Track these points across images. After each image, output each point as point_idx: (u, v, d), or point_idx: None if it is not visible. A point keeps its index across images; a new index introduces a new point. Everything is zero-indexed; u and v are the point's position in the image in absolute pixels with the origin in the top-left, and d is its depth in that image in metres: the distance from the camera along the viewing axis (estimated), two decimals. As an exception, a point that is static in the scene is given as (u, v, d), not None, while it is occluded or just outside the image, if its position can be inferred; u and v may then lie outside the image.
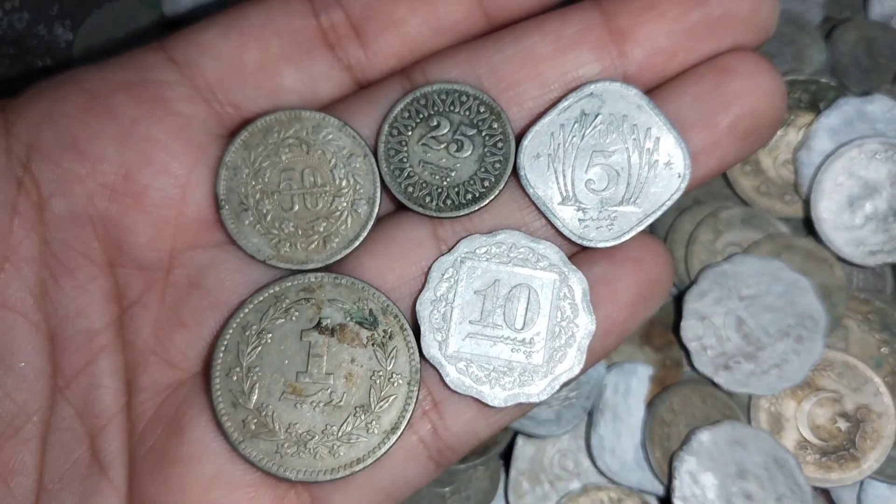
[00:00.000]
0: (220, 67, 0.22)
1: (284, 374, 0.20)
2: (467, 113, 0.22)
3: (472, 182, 0.21)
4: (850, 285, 0.29)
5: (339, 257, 0.21)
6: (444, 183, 0.21)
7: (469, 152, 0.22)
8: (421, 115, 0.22)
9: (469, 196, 0.21)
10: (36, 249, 0.21)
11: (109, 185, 0.21)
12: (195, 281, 0.22)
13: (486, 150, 0.22)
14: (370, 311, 0.21)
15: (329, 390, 0.21)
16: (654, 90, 0.22)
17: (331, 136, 0.22)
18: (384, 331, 0.21)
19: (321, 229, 0.22)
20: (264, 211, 0.21)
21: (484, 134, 0.21)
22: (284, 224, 0.21)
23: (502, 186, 0.22)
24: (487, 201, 0.21)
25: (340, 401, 0.20)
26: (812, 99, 0.30)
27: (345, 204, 0.22)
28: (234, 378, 0.20)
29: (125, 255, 0.22)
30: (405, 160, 0.21)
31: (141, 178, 0.21)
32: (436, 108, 0.22)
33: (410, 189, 0.21)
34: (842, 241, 0.28)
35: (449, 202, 0.21)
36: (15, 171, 0.21)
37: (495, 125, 0.21)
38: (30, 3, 0.35)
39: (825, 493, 0.28)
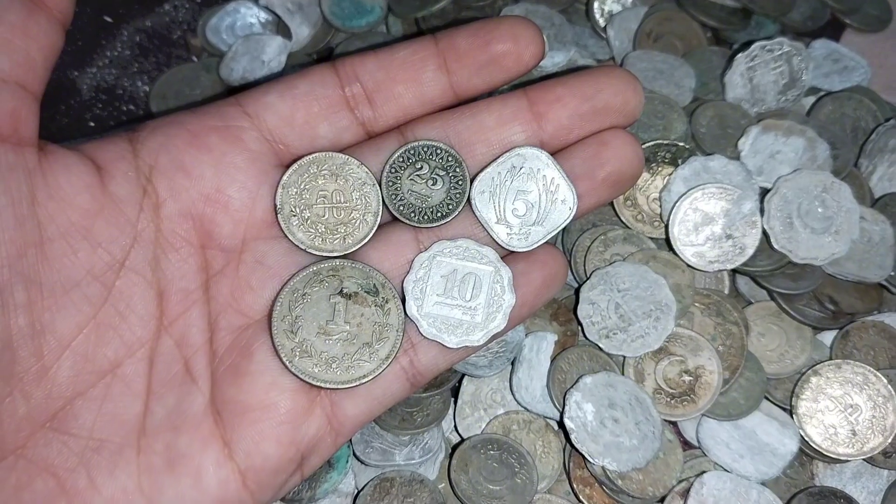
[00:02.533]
0: (279, 120, 0.29)
1: (318, 321, 0.28)
2: (440, 160, 0.30)
3: (441, 206, 0.30)
4: (696, 285, 0.36)
5: (354, 250, 0.30)
6: (424, 205, 0.30)
7: (440, 186, 0.30)
8: (410, 161, 0.30)
9: (439, 214, 0.30)
10: (153, 235, 0.27)
11: (205, 194, 0.28)
12: (260, 260, 0.28)
13: (451, 185, 0.30)
14: (374, 284, 0.29)
15: (346, 332, 0.28)
16: (557, 153, 0.31)
17: (351, 170, 0.30)
18: (383, 297, 0.29)
19: (343, 231, 0.30)
20: (306, 216, 0.29)
21: (451, 175, 0.30)
22: (318, 226, 0.29)
23: (460, 209, 0.30)
24: (451, 218, 0.30)
25: (353, 339, 0.28)
26: (673, 157, 0.37)
27: (358, 215, 0.30)
28: (286, 322, 0.28)
29: (213, 241, 0.28)
30: (399, 189, 0.30)
31: (227, 191, 0.28)
32: (420, 156, 0.30)
33: (402, 208, 0.30)
34: (690, 254, 0.36)
35: (426, 218, 0.30)
36: (142, 182, 0.27)
37: (458, 170, 0.30)
38: (117, 61, 0.42)
39: (674, 424, 0.35)
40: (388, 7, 0.43)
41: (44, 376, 0.25)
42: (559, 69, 0.42)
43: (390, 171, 0.30)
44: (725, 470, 0.34)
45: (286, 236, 0.29)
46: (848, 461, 0.34)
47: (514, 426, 0.35)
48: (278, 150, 0.29)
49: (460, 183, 0.31)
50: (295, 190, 0.29)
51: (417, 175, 0.31)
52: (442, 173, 0.31)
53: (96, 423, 0.26)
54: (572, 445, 0.33)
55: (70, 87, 0.42)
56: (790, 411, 0.35)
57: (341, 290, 0.29)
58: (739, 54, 0.40)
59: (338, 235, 0.30)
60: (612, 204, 0.37)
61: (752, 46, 0.40)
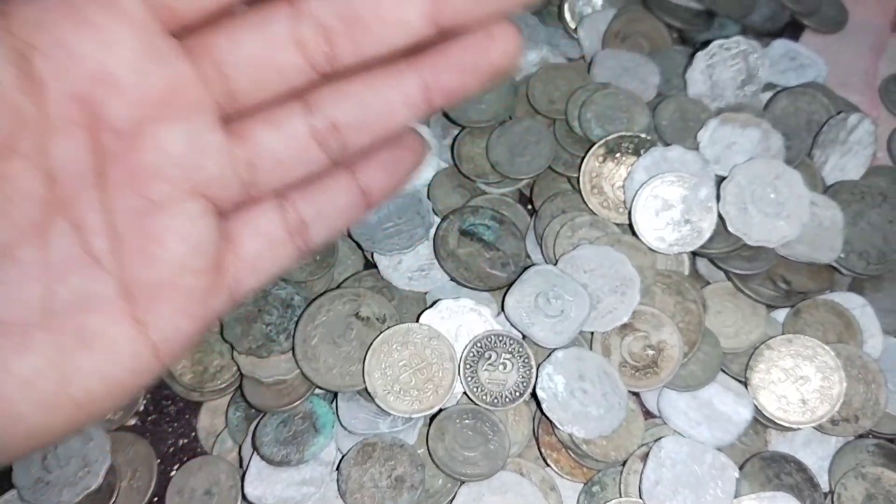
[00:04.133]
0: None
1: None
2: (504, 346, 0.36)
3: (517, 386, 0.36)
4: (657, 266, 0.38)
5: (448, 398, 0.36)
6: (503, 391, 0.36)
7: (511, 369, 0.36)
8: (480, 353, 0.36)
9: (518, 394, 0.36)
10: (39, 119, 0.24)
11: (91, 74, 0.24)
12: (157, 142, 0.25)
13: (520, 365, 0.36)
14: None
15: None
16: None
17: (415, 333, 0.36)
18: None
19: (432, 386, 0.35)
20: (398, 390, 0.35)
21: (516, 356, 0.36)
22: (411, 391, 0.35)
23: (531, 388, 0.36)
24: (525, 397, 0.36)
25: None
26: (636, 148, 0.39)
27: (438, 367, 0.36)
28: None
29: (104, 123, 0.25)
30: (478, 382, 0.36)
31: (114, 70, 0.25)
32: (486, 347, 0.36)
33: (485, 398, 0.36)
34: (651, 238, 0.38)
35: (508, 400, 0.36)
36: (22, 65, 0.24)
37: (521, 350, 0.36)
38: None
39: (637, 395, 0.37)
40: None
41: None
42: (534, 67, 0.45)
43: (466, 368, 0.35)
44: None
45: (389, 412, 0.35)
46: (799, 429, 0.36)
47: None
48: (164, 16, 0.25)
49: (527, 361, 0.36)
50: (378, 373, 0.35)
51: (490, 365, 0.36)
52: (509, 356, 0.36)
53: None
54: (543, 414, 0.35)
55: None
56: (745, 383, 0.37)
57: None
58: (700, 52, 0.43)
59: (429, 391, 0.35)
60: (580, 192, 0.40)
61: (711, 45, 0.43)
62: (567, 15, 0.47)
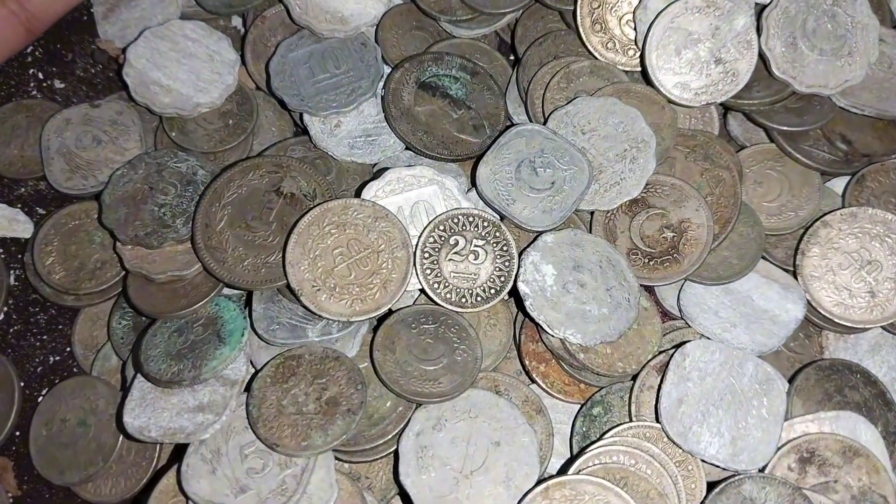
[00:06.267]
0: None
1: None
2: (476, 229, 0.31)
3: (492, 280, 0.30)
4: (679, 124, 0.34)
5: (400, 295, 0.31)
6: (474, 286, 0.30)
7: (484, 259, 0.30)
8: (442, 238, 0.30)
9: (493, 291, 0.30)
10: None
11: None
12: None
13: (496, 254, 0.30)
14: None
15: None
16: None
17: (356, 212, 0.30)
18: None
19: (378, 280, 0.30)
20: (331, 285, 0.29)
21: (491, 242, 0.30)
22: (350, 288, 0.29)
23: (512, 283, 0.30)
24: (504, 294, 0.30)
25: None
26: None
27: (387, 255, 0.30)
28: None
29: None
30: (440, 275, 0.30)
31: None
32: (452, 231, 0.30)
33: (449, 296, 0.30)
34: (671, 85, 0.34)
35: (480, 299, 0.30)
36: None
37: (498, 234, 0.30)
38: None
39: (651, 290, 0.33)
40: None
41: None
42: None
43: (425, 258, 0.30)
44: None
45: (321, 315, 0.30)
46: (865, 329, 0.33)
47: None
48: None
49: (505, 248, 0.31)
50: (306, 264, 0.29)
51: (456, 253, 0.30)
52: (481, 242, 0.31)
53: None
54: (526, 315, 0.32)
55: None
56: (794, 272, 0.34)
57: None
58: None
59: (374, 288, 0.29)
60: (577, 30, 0.35)
61: None
62: None
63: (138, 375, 0.31)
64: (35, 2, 0.31)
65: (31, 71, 0.39)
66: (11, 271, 0.37)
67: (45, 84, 0.39)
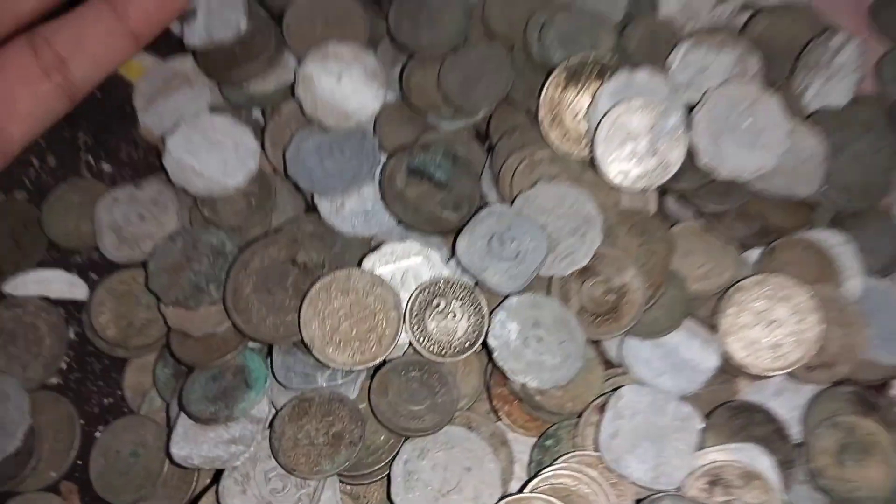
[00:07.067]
0: None
1: None
2: (454, 293, 0.35)
3: (466, 336, 0.35)
4: (621, 205, 0.37)
5: (392, 348, 0.35)
6: (453, 340, 0.35)
7: (461, 317, 0.35)
8: (428, 301, 0.35)
9: (468, 344, 0.35)
10: None
11: None
12: None
13: (470, 313, 0.35)
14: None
15: None
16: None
17: (357, 280, 0.35)
18: None
19: (374, 336, 0.34)
20: (337, 341, 0.34)
21: (466, 304, 0.35)
22: (352, 343, 0.34)
23: (484, 337, 0.35)
24: (477, 346, 0.35)
25: None
26: (600, 72, 0.38)
27: (382, 315, 0.34)
28: None
29: None
30: (425, 332, 0.35)
31: None
32: (435, 293, 0.35)
33: (433, 349, 0.35)
34: (614, 173, 0.36)
35: (457, 351, 0.35)
36: None
37: (472, 296, 0.35)
38: None
39: (596, 343, 0.37)
40: None
41: None
42: None
43: (412, 317, 0.35)
44: (646, 386, 0.36)
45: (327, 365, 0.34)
46: (770, 377, 0.36)
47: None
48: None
49: (478, 309, 0.35)
50: (316, 323, 0.34)
51: (438, 313, 0.35)
52: (459, 303, 0.35)
53: None
54: (495, 364, 0.35)
55: None
56: (713, 328, 0.36)
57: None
58: None
59: (372, 342, 0.34)
60: (538, 124, 0.39)
61: None
62: (527, -73, 0.44)
63: (181, 414, 0.34)
64: (76, 69, 0.30)
65: (82, 155, 0.42)
66: (71, 328, 0.39)
67: (94, 167, 0.42)
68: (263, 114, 0.42)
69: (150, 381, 0.38)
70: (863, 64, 0.42)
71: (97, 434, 0.37)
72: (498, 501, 0.33)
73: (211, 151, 0.39)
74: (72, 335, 0.40)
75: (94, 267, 0.40)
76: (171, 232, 0.38)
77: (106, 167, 0.42)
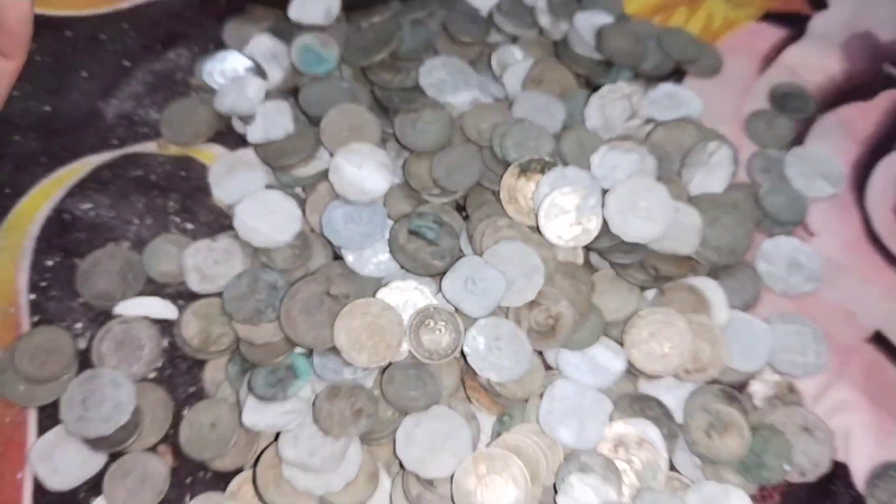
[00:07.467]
0: None
1: None
2: (440, 315, 0.44)
3: (448, 347, 0.44)
4: (558, 258, 0.45)
5: (402, 348, 0.44)
6: (439, 349, 0.44)
7: (444, 333, 0.44)
8: (422, 321, 0.44)
9: (449, 351, 0.44)
10: None
11: None
12: None
13: (451, 331, 0.44)
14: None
15: None
16: None
17: (374, 307, 0.43)
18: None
19: (384, 342, 0.43)
20: (358, 348, 0.43)
21: (449, 325, 0.44)
22: (368, 347, 0.43)
23: (459, 348, 0.44)
24: (454, 354, 0.44)
25: None
26: (542, 168, 0.47)
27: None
28: None
29: None
30: (421, 344, 0.44)
31: None
32: (427, 315, 0.44)
33: (426, 355, 0.44)
34: (553, 236, 0.46)
35: (440, 357, 0.44)
36: None
37: (453, 319, 0.44)
38: (133, 95, 0.55)
39: (540, 353, 0.44)
40: (340, 57, 0.55)
41: None
42: (467, 106, 0.56)
43: (411, 332, 0.43)
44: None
45: (351, 364, 0.43)
46: (660, 377, 0.45)
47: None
48: None
49: (457, 327, 0.43)
50: (344, 335, 0.43)
51: (429, 329, 0.43)
52: (443, 323, 0.43)
53: None
54: (468, 365, 0.43)
55: (97, 114, 0.55)
56: (621, 343, 0.45)
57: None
58: (594, 94, 0.53)
59: (382, 349, 0.43)
60: (500, 202, 0.48)
61: (602, 89, 0.54)
62: (494, 64, 0.56)
63: (250, 395, 0.42)
64: None
65: (171, 218, 0.51)
66: (165, 338, 0.47)
67: (180, 225, 0.51)
68: (304, 191, 0.51)
69: (223, 375, 0.46)
70: (735, 162, 0.52)
71: (184, 412, 0.45)
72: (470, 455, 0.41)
73: (267, 216, 0.48)
74: (165, 344, 0.47)
75: (181, 296, 0.48)
76: (238, 273, 0.46)
77: (189, 226, 0.51)
